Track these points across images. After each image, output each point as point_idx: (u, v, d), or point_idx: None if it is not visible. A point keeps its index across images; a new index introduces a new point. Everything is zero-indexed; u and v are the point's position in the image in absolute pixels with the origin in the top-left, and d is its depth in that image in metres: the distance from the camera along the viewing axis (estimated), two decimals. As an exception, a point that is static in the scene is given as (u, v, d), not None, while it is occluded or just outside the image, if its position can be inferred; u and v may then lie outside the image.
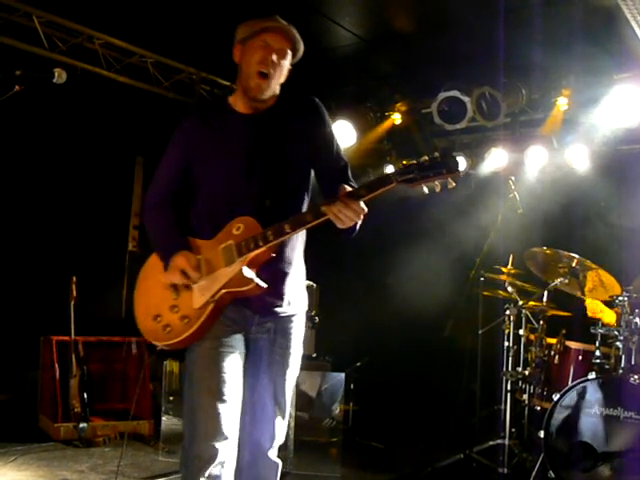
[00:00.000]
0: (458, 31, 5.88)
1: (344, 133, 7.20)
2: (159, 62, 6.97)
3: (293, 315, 2.94)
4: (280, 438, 2.97)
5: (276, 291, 2.84)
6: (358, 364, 6.98)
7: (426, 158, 2.50)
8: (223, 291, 2.72)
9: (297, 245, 2.95)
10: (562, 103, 6.57)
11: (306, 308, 3.04)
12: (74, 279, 5.92)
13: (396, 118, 7.56)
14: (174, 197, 3.00)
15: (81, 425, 5.68)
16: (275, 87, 2.89)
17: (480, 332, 6.00)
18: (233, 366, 2.78)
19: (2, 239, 6.55)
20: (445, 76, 6.71)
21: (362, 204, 2.59)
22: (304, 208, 2.93)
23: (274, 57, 2.81)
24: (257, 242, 2.68)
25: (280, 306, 2.88)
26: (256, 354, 2.89)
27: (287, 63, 2.89)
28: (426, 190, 2.54)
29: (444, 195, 2.64)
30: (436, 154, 2.50)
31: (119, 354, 6.48)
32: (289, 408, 3.02)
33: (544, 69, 6.41)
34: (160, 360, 6.02)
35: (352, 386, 6.72)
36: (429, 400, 7.02)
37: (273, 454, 2.95)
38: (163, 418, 5.70)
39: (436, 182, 2.50)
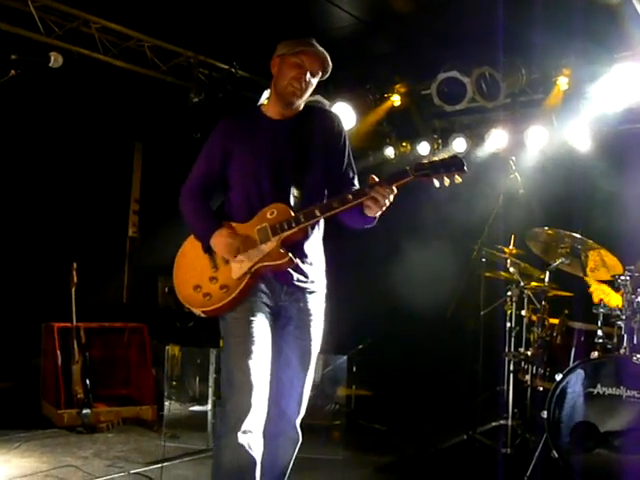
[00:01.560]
0: (457, 11, 5.84)
1: (343, 116, 7.17)
2: (156, 46, 6.93)
3: (315, 292, 3.32)
4: (304, 407, 3.29)
5: (301, 269, 3.23)
6: (360, 347, 6.98)
7: (437, 159, 3.04)
8: (260, 264, 3.14)
9: (317, 234, 3.35)
10: (562, 83, 6.54)
11: (325, 290, 3.39)
12: (75, 265, 5.91)
13: (395, 100, 7.53)
14: (209, 189, 3.38)
15: (84, 411, 5.69)
16: (304, 99, 3.32)
17: (482, 313, 5.99)
18: (263, 332, 3.15)
19: (2, 226, 6.53)
20: (444, 57, 6.68)
21: (393, 188, 3.04)
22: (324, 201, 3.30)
23: (307, 77, 3.24)
24: (290, 224, 3.11)
25: (304, 282, 3.25)
26: (285, 317, 3.27)
27: (316, 81, 3.30)
28: (437, 184, 3.03)
29: (445, 176, 2.97)
30: (446, 156, 3.06)
31: (121, 340, 6.49)
32: (312, 377, 3.33)
33: (544, 49, 6.36)
34: (162, 345, 6.03)
35: (354, 369, 6.73)
36: (431, 381, 7.04)
37: (298, 424, 3.28)
38: (166, 403, 5.71)
39: (445, 178, 3.02)
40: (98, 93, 6.80)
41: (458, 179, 3.02)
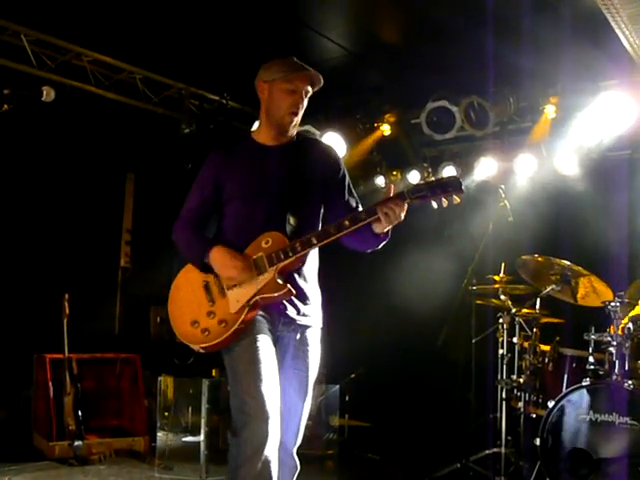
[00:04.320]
0: (446, 41, 5.90)
1: (334, 145, 7.22)
2: (148, 78, 6.99)
3: (311, 326, 3.29)
4: (300, 437, 3.24)
5: (295, 304, 3.20)
6: (352, 376, 6.97)
7: (434, 180, 3.09)
8: (258, 297, 3.09)
9: (312, 266, 3.33)
10: (550, 111, 6.60)
11: (321, 325, 3.36)
12: (66, 296, 5.91)
13: (385, 129, 7.57)
14: (202, 220, 3.37)
15: (76, 443, 5.65)
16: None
17: (474, 341, 6.00)
18: (270, 355, 3.11)
19: (-7, 257, 6.53)
20: (433, 86, 6.75)
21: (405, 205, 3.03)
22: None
23: (304, 102, 3.27)
24: (287, 253, 3.08)
25: (299, 315, 3.22)
26: (282, 349, 3.22)
27: (308, 99, 3.30)
28: (435, 205, 3.02)
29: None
30: (443, 177, 3.12)
31: (113, 371, 6.46)
32: (309, 407, 3.29)
33: (531, 77, 6.44)
34: (154, 376, 6.01)
35: (347, 398, 6.72)
36: (424, 410, 7.01)
37: (295, 454, 3.22)
38: (158, 434, 5.69)
39: (443, 198, 3.00)
40: (90, 125, 6.84)
41: (456, 199, 3.00)
